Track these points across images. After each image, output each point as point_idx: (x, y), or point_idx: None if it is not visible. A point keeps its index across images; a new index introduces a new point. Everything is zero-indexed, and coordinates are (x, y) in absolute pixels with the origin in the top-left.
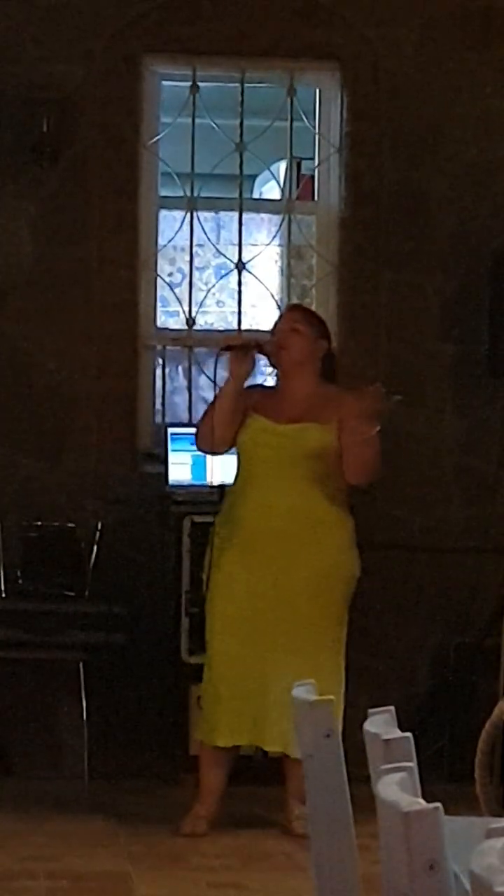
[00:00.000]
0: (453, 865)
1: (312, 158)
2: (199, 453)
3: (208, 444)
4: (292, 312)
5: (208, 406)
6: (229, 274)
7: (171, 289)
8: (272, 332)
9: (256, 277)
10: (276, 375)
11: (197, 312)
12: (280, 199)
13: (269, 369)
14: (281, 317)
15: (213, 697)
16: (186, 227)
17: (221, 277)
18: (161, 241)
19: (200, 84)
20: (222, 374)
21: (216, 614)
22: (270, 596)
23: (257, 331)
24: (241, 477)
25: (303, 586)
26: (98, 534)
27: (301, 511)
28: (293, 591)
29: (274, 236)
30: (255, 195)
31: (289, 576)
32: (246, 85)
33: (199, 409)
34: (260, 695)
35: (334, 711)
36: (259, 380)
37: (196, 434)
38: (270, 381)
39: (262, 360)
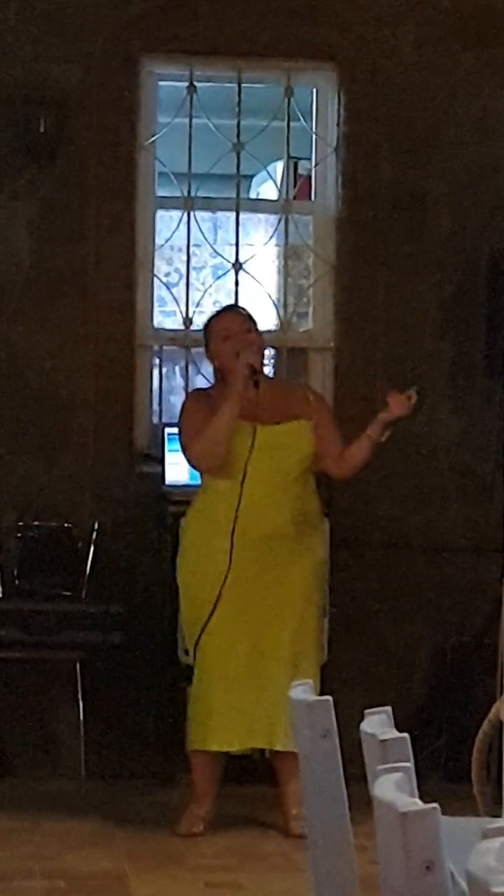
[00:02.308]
0: (450, 866)
1: (309, 158)
2: None
3: (216, 462)
4: (236, 315)
5: (208, 430)
6: (226, 274)
7: (168, 289)
8: (213, 338)
9: (254, 277)
10: (219, 378)
11: (194, 312)
12: (277, 200)
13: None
14: (216, 321)
15: (214, 701)
16: (183, 226)
17: (218, 277)
18: (158, 241)
19: (197, 84)
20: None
21: (217, 618)
22: (270, 597)
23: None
24: (229, 480)
25: (300, 585)
26: (95, 533)
27: (296, 511)
28: (291, 590)
29: (271, 236)
30: (253, 195)
31: (287, 576)
32: (243, 85)
33: None
34: (264, 695)
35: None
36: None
37: (198, 457)
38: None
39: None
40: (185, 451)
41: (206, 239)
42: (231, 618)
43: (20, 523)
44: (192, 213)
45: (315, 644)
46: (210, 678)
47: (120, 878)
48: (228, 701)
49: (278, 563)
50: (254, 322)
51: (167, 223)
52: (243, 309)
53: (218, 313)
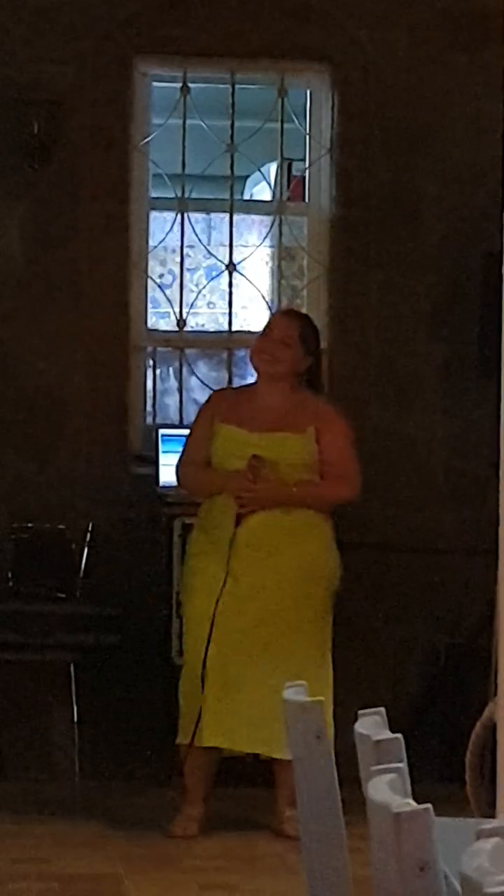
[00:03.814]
0: (444, 867)
1: (303, 160)
2: None
3: (187, 491)
4: (288, 321)
5: (195, 480)
6: (220, 275)
7: (162, 290)
8: (263, 333)
9: (247, 279)
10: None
11: (188, 314)
12: (271, 201)
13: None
14: (273, 319)
15: (197, 699)
16: (177, 228)
17: (212, 279)
18: (152, 242)
19: (191, 85)
20: (210, 373)
21: (200, 619)
22: (256, 599)
23: (247, 332)
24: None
25: (288, 588)
26: (89, 535)
27: (280, 516)
28: (279, 593)
29: (265, 237)
30: (246, 196)
31: (274, 579)
32: (237, 86)
33: (190, 411)
34: (248, 696)
35: (324, 713)
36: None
37: (181, 483)
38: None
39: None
40: (180, 459)
41: (199, 240)
42: (219, 620)
43: (14, 525)
44: (185, 215)
45: (317, 657)
46: (198, 673)
47: (114, 881)
48: (220, 701)
49: (254, 569)
50: (305, 339)
51: (161, 224)
52: (304, 320)
53: (279, 312)
